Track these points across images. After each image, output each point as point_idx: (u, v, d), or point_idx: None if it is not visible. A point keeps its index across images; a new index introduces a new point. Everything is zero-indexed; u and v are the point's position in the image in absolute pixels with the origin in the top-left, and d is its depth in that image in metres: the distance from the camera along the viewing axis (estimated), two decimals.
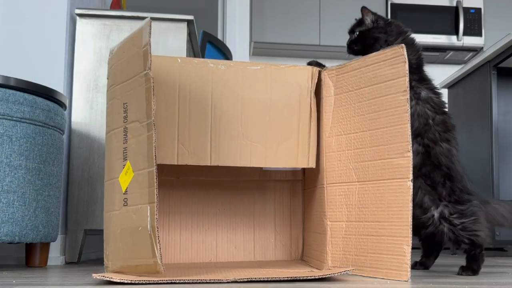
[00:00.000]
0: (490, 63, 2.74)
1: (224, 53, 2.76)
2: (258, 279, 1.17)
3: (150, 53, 1.20)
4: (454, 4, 4.50)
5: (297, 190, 1.80)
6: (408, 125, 1.32)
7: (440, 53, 4.57)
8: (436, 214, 1.48)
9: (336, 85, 1.51)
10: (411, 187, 1.30)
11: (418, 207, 1.49)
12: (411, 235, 1.28)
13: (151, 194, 1.15)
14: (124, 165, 1.24)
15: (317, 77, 1.54)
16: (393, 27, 1.63)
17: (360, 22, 1.67)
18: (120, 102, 1.29)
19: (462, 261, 1.51)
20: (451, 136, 1.53)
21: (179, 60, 1.45)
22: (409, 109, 1.33)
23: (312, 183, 1.64)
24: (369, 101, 1.42)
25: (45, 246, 1.75)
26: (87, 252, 2.12)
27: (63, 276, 1.41)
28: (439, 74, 4.76)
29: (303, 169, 1.78)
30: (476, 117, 2.87)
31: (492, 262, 2.11)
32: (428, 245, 1.66)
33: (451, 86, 3.19)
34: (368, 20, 1.64)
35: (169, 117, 1.43)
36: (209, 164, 1.44)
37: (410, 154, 1.31)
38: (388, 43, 1.58)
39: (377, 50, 1.49)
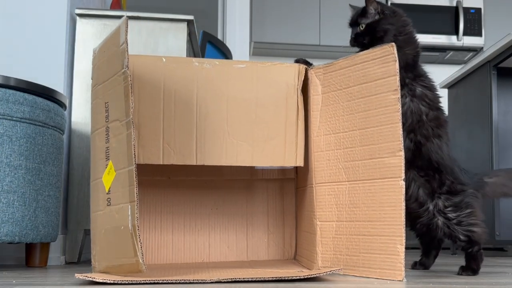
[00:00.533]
0: (490, 63, 2.74)
1: (224, 53, 2.76)
2: (242, 279, 1.16)
3: (127, 51, 1.20)
4: (454, 4, 4.50)
5: (289, 189, 1.79)
6: (400, 124, 1.32)
7: (440, 53, 4.58)
8: (431, 207, 1.48)
9: (324, 84, 1.50)
10: (404, 186, 1.30)
11: (414, 201, 1.49)
12: (404, 235, 1.28)
13: (131, 193, 1.15)
14: (107, 164, 1.25)
15: (304, 75, 1.52)
16: (398, 17, 1.58)
17: (363, 13, 1.59)
18: (102, 101, 1.29)
19: (462, 261, 1.51)
20: (443, 132, 1.53)
21: (164, 60, 1.45)
22: (400, 108, 1.32)
23: (303, 182, 1.64)
24: (358, 100, 1.41)
25: (45, 246, 1.75)
26: (87, 252, 2.12)
27: (63, 276, 1.41)
28: (439, 74, 4.76)
29: (296, 168, 1.77)
30: (476, 117, 2.87)
31: (492, 262, 2.11)
32: (425, 242, 1.66)
33: (451, 86, 3.19)
34: (373, 10, 1.57)
35: (154, 116, 1.42)
36: (194, 164, 1.44)
37: (402, 153, 1.30)
38: (395, 36, 1.54)
39: (387, 42, 1.46)
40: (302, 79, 1.52)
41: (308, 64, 1.56)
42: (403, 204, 1.29)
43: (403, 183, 1.30)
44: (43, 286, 1.13)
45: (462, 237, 1.45)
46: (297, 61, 1.56)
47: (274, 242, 1.76)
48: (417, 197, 1.49)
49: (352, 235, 1.39)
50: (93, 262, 1.30)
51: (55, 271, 1.57)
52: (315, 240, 1.47)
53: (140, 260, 1.13)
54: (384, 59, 1.36)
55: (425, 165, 1.50)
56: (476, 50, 4.54)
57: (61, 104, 1.77)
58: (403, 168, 1.30)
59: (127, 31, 1.20)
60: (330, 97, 1.48)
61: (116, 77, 1.24)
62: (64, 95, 1.79)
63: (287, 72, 1.52)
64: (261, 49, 4.53)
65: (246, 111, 1.48)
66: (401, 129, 1.32)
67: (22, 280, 1.27)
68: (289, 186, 1.79)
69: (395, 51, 1.33)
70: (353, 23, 1.62)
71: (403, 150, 1.31)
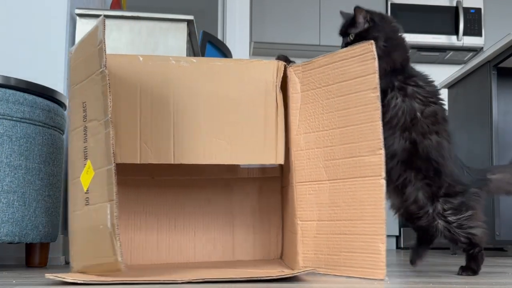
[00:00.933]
0: (490, 63, 2.74)
1: (224, 53, 2.76)
2: (213, 280, 1.15)
3: (105, 50, 1.20)
4: (454, 4, 4.50)
5: (275, 187, 1.77)
6: (379, 123, 1.30)
7: (440, 53, 4.57)
8: (431, 210, 1.47)
9: (303, 82, 1.48)
10: (384, 184, 1.29)
11: (413, 203, 1.49)
12: (385, 233, 1.27)
13: (110, 192, 1.15)
14: (85, 164, 1.25)
15: (282, 71, 1.51)
16: (387, 24, 1.58)
17: (352, 22, 1.59)
18: (80, 101, 1.29)
19: (462, 261, 1.51)
20: (442, 128, 1.50)
21: (141, 58, 1.44)
22: (380, 106, 1.31)
23: (285, 181, 1.62)
24: (338, 98, 1.40)
25: (45, 246, 1.75)
26: None
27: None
28: (439, 74, 4.77)
29: (281, 166, 1.74)
30: (476, 117, 2.87)
31: (492, 262, 2.11)
32: (421, 235, 1.65)
33: (451, 86, 3.19)
34: (362, 19, 1.56)
35: (131, 115, 1.41)
36: (172, 162, 1.42)
37: (382, 151, 1.30)
38: (384, 42, 1.53)
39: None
40: (281, 76, 1.51)
41: (288, 61, 1.54)
42: (384, 202, 1.28)
43: (383, 182, 1.29)
44: (43, 286, 1.13)
45: (463, 239, 1.45)
46: (278, 58, 1.55)
47: (260, 242, 1.74)
48: (416, 199, 1.48)
49: (334, 235, 1.37)
50: (71, 262, 1.30)
51: (55, 271, 1.57)
52: (296, 239, 1.45)
53: (119, 259, 1.12)
54: (363, 57, 1.35)
55: (424, 166, 1.48)
56: (476, 50, 4.53)
57: (61, 104, 1.77)
58: (383, 166, 1.29)
59: (104, 31, 1.20)
60: (309, 95, 1.46)
61: (94, 76, 1.24)
62: (64, 95, 1.79)
63: (266, 69, 1.50)
64: (261, 49, 4.52)
65: (224, 109, 1.47)
66: (381, 128, 1.31)
67: (22, 280, 1.27)
68: (274, 185, 1.77)
69: (374, 49, 1.33)
70: (343, 33, 1.62)
71: (383, 149, 1.30)
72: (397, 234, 3.90)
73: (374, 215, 1.29)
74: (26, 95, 1.61)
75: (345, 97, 1.38)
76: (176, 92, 1.45)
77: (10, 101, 1.56)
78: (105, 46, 1.19)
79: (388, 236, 3.98)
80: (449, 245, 2.79)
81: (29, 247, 1.73)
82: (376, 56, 1.32)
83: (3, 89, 1.56)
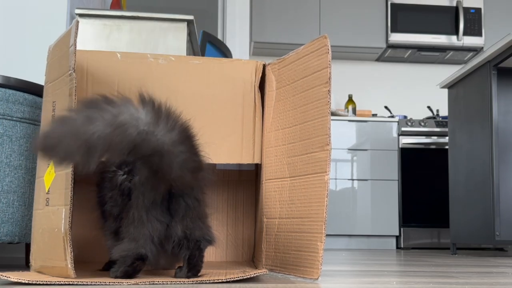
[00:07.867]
0: (490, 63, 2.74)
1: (224, 53, 2.76)
2: (160, 282, 1.10)
3: (75, 53, 1.20)
4: (454, 4, 4.50)
5: (250, 187, 1.74)
6: (328, 118, 1.28)
7: (440, 53, 4.58)
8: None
9: (278, 79, 1.47)
10: (329, 181, 1.26)
11: None
12: (325, 232, 1.23)
13: (66, 196, 1.15)
14: (49, 164, 1.25)
15: (261, 71, 1.51)
16: None
17: None
18: (51, 99, 1.30)
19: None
20: None
21: (119, 55, 1.44)
22: (330, 101, 1.29)
23: (259, 180, 1.60)
24: (300, 94, 1.38)
25: None
26: None
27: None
28: (439, 74, 4.78)
29: (256, 166, 1.71)
30: (476, 117, 2.87)
31: (492, 262, 2.11)
32: None
33: (451, 86, 3.19)
34: None
35: None
36: None
37: (329, 147, 1.27)
38: None
39: None
40: (260, 75, 1.51)
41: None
42: (326, 199, 1.24)
43: (328, 178, 1.25)
44: (43, 285, 1.13)
45: None
46: None
47: (232, 244, 1.71)
48: None
49: (289, 232, 1.35)
50: (31, 260, 1.30)
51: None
52: (262, 238, 1.44)
53: (69, 265, 1.12)
54: (320, 51, 1.33)
55: None
56: (476, 50, 4.54)
57: None
58: (329, 162, 1.26)
59: (77, 34, 1.20)
60: (281, 93, 1.45)
61: (64, 77, 1.24)
62: None
63: (245, 68, 1.50)
64: (261, 49, 4.53)
65: (202, 108, 1.46)
66: (330, 123, 1.29)
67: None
68: (250, 185, 1.74)
69: (328, 43, 1.31)
70: None
71: (330, 144, 1.27)
72: (397, 234, 3.90)
73: (318, 213, 1.26)
74: (26, 95, 1.61)
75: (305, 93, 1.36)
76: (154, 90, 1.43)
77: (10, 101, 1.56)
78: (75, 49, 1.20)
79: (388, 236, 3.98)
80: (449, 245, 2.80)
81: (29, 247, 1.73)
82: (329, 50, 1.31)
83: (3, 89, 1.56)
